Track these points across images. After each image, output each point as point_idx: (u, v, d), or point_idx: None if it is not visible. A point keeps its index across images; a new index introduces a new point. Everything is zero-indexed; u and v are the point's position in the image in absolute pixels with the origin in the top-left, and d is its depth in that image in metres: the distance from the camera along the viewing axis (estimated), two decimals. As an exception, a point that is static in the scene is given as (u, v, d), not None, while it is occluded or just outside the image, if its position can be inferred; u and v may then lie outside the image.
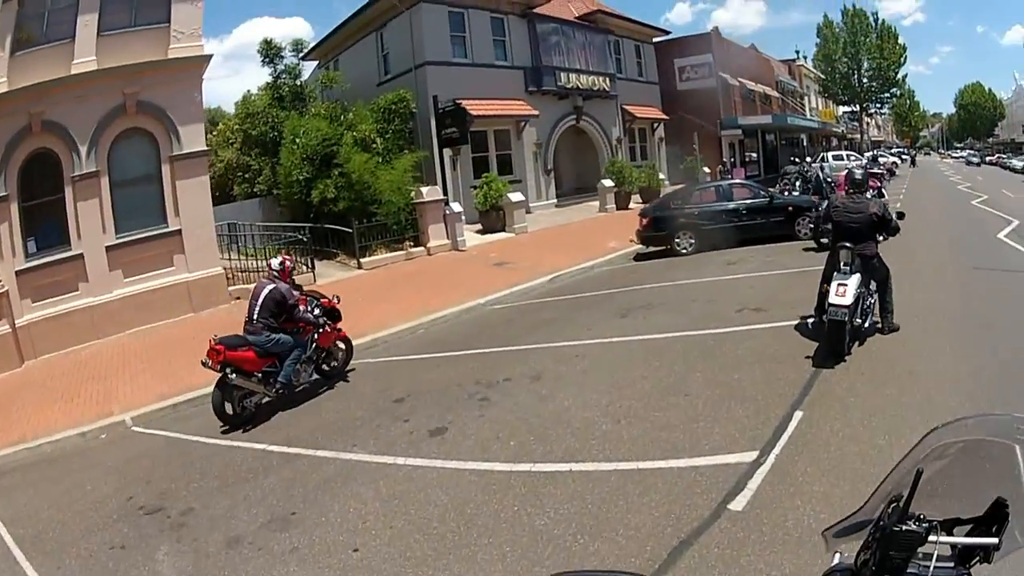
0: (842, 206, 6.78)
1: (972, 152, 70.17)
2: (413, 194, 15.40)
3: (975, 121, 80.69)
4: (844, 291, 6.04)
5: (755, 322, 7.74)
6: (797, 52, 54.38)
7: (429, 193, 15.53)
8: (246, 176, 19.97)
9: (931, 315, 7.53)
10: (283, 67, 19.30)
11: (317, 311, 7.13)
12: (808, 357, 6.28)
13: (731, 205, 13.70)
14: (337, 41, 23.97)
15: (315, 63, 25.53)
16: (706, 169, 27.24)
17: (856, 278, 6.23)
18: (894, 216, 6.91)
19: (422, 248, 15.33)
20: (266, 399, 6.64)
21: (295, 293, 7.01)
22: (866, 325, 6.62)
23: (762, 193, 14.20)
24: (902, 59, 48.79)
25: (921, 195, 25.75)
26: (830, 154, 37.46)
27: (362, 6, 21.20)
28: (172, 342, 9.81)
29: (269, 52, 19.03)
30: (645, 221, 14.02)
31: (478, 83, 19.67)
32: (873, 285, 6.72)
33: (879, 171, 22.84)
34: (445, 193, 16.30)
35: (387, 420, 5.98)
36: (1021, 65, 62.12)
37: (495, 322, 9.63)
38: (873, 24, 47.99)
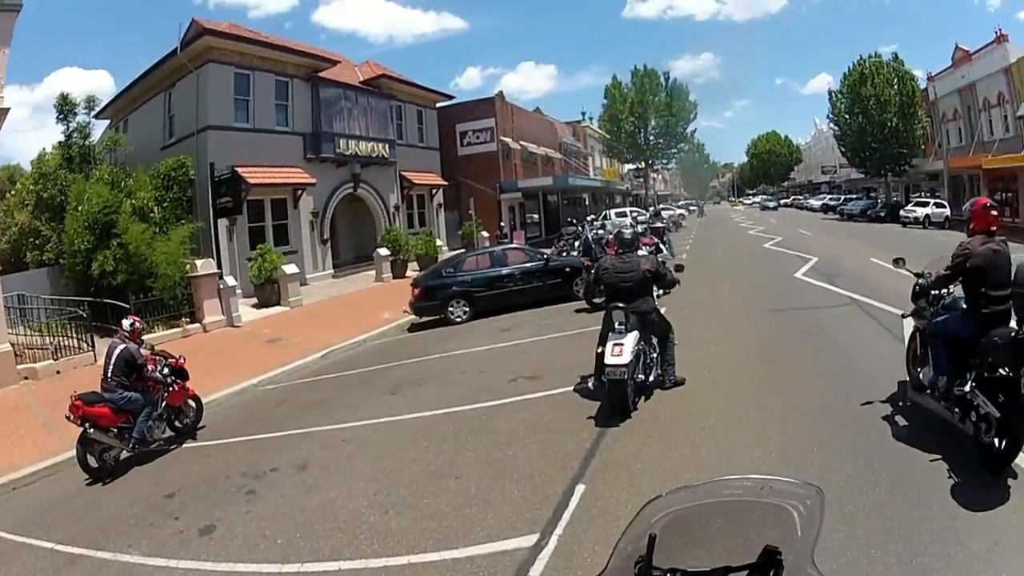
0: (611, 267, 7.64)
1: (767, 196, 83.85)
2: (188, 267, 17.36)
3: (769, 168, 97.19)
4: (620, 350, 6.76)
5: (529, 391, 8.55)
6: (583, 113, 64.85)
7: (203, 266, 17.56)
8: (37, 242, 20.91)
9: (724, 364, 8.35)
10: (75, 125, 20.85)
11: (166, 370, 8.68)
12: (591, 418, 6.99)
13: (505, 270, 16.10)
14: (129, 100, 25.99)
15: (108, 122, 26.91)
16: (484, 233, 32.13)
17: (633, 336, 6.99)
18: (671, 270, 8.03)
19: (198, 324, 17.25)
20: (124, 453, 8.08)
21: (144, 353, 8.50)
22: (650, 380, 7.45)
23: (538, 256, 16.84)
24: (692, 115, 60.21)
25: (711, 245, 29.81)
26: (613, 211, 44.51)
27: (153, 64, 23.47)
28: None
29: (64, 108, 20.43)
30: (417, 291, 15.99)
31: (258, 149, 22.57)
32: (655, 340, 7.59)
33: (661, 225, 26.90)
34: (220, 266, 18.66)
35: (159, 517, 6.42)
36: (822, 111, 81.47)
37: (266, 404, 10.74)
38: (664, 83, 58.02)
